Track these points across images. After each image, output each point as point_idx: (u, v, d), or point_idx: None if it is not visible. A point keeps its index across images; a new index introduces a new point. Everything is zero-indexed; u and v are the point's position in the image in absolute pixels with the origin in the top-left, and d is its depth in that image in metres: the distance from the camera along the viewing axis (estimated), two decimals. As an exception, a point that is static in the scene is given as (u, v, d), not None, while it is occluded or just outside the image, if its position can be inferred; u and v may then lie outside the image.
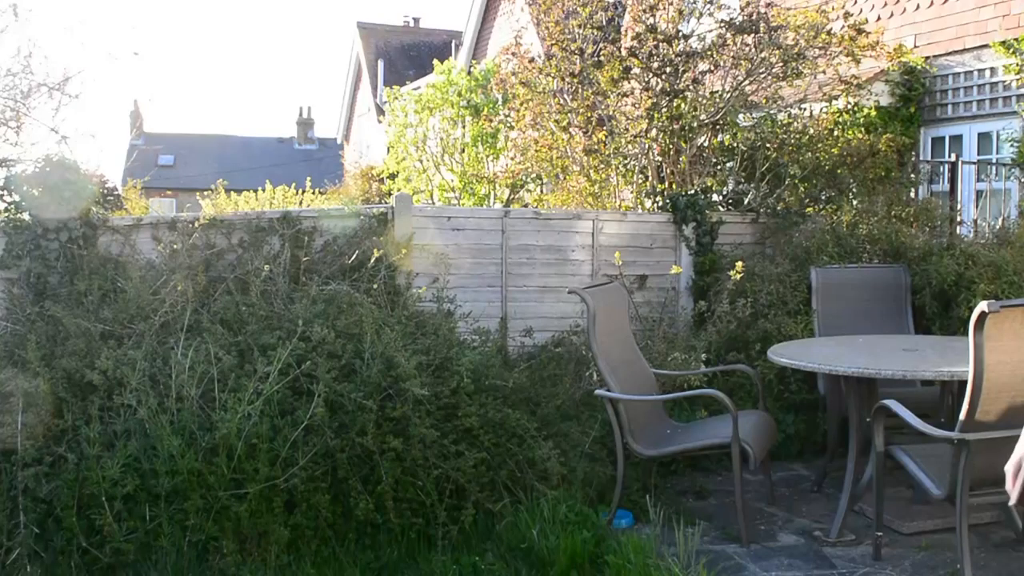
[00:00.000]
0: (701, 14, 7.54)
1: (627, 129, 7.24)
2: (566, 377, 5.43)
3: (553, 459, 4.36)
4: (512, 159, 9.38)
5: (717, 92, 7.24)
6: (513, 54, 8.51)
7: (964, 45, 8.03)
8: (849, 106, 8.08)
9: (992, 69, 7.87)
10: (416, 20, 29.23)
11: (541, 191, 9.79)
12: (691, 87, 7.15)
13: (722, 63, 7.23)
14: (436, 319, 5.06)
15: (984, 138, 8.07)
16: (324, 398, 4.08)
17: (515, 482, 4.34)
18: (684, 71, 7.15)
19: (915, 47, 8.46)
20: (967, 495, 3.58)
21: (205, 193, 14.97)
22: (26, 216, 4.79)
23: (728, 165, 7.43)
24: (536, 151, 8.21)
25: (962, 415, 3.51)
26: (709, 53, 7.20)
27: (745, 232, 6.87)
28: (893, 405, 3.84)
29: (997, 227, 6.79)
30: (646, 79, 7.21)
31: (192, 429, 3.99)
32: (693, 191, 6.82)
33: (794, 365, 4.43)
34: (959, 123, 8.26)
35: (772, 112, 7.38)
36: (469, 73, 11.96)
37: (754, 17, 7.17)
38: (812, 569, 4.02)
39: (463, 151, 11.21)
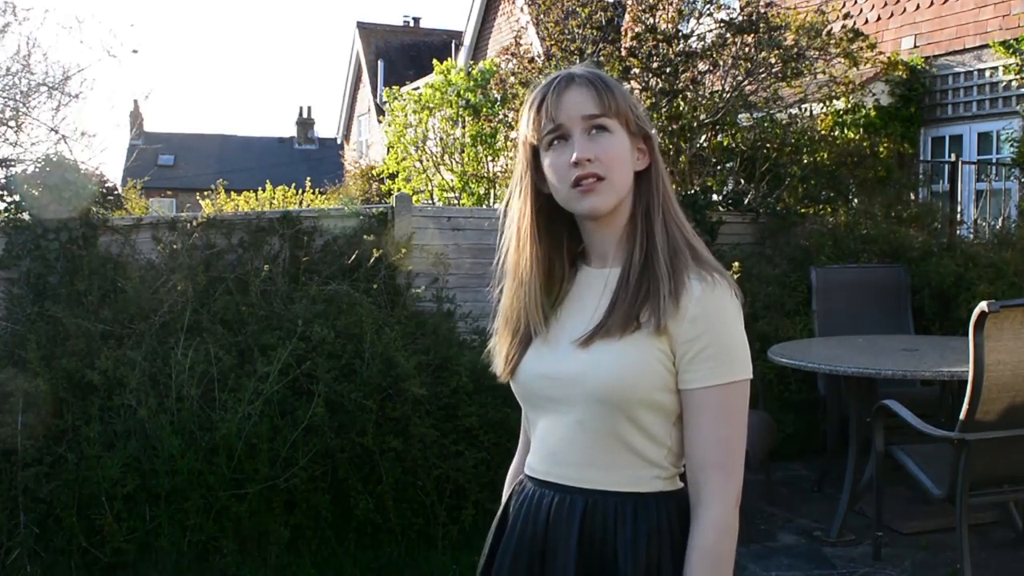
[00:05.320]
0: (701, 14, 7.54)
1: (627, 129, 7.22)
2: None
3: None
4: (512, 159, 9.38)
5: (717, 92, 7.24)
6: (513, 54, 8.51)
7: (964, 45, 8.03)
8: (849, 106, 8.08)
9: (992, 69, 7.87)
10: (416, 20, 29.21)
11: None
12: (691, 87, 7.14)
13: (722, 63, 7.22)
14: (436, 319, 5.06)
15: (984, 138, 8.07)
16: (324, 398, 4.08)
17: (515, 482, 4.34)
18: (683, 71, 7.14)
19: (915, 47, 8.46)
20: (967, 495, 3.57)
21: (205, 193, 14.94)
22: (26, 216, 4.78)
23: (728, 165, 7.43)
24: (536, 151, 8.20)
25: (962, 415, 3.51)
26: (709, 53, 7.20)
27: (745, 232, 6.87)
28: (893, 405, 3.84)
29: (997, 227, 6.79)
30: (645, 79, 7.20)
31: (192, 429, 3.99)
32: (693, 191, 6.82)
33: (794, 365, 4.43)
34: (959, 123, 8.25)
35: (772, 112, 7.38)
36: (468, 74, 11.95)
37: (754, 17, 7.17)
38: (812, 569, 4.02)
39: (462, 151, 11.20)
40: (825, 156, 7.19)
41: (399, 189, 10.76)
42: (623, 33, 7.94)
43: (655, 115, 7.02)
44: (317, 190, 13.70)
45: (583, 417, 1.48)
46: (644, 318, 1.43)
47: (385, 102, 12.51)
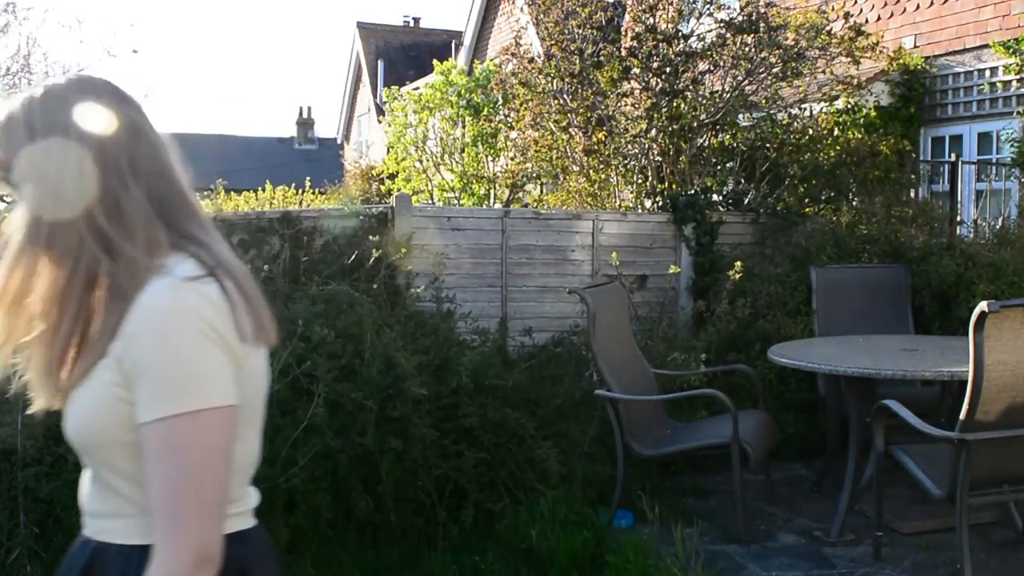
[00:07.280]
0: (701, 14, 7.55)
1: (627, 129, 7.24)
2: (566, 377, 5.43)
3: (553, 459, 4.36)
4: (512, 159, 9.39)
5: (717, 92, 7.24)
6: (513, 55, 8.51)
7: (964, 45, 8.03)
8: (849, 106, 8.08)
9: (992, 69, 7.87)
10: (416, 20, 29.21)
11: (541, 191, 9.80)
12: (691, 87, 7.15)
13: (722, 63, 7.23)
14: (436, 319, 5.05)
15: (984, 138, 8.07)
16: (324, 398, 4.08)
17: (515, 482, 4.34)
18: (684, 71, 7.15)
19: (915, 47, 8.46)
20: (967, 495, 3.58)
21: (205, 193, 14.94)
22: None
23: (728, 165, 7.43)
24: (536, 151, 8.22)
25: (962, 415, 3.51)
26: (709, 53, 7.20)
27: (745, 232, 6.87)
28: (893, 405, 3.84)
29: (997, 227, 6.79)
30: (646, 79, 7.21)
31: (192, 429, 3.98)
32: (693, 191, 6.82)
33: (794, 365, 4.43)
34: (959, 123, 8.26)
35: (772, 112, 7.38)
36: (469, 74, 11.96)
37: (754, 17, 7.17)
38: (812, 569, 4.02)
39: (463, 151, 11.21)
40: (826, 155, 7.18)
41: (399, 189, 10.75)
42: (623, 33, 7.94)
43: (655, 115, 7.03)
44: (317, 190, 13.71)
45: (85, 464, 1.33)
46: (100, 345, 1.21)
47: (385, 102, 12.51)
